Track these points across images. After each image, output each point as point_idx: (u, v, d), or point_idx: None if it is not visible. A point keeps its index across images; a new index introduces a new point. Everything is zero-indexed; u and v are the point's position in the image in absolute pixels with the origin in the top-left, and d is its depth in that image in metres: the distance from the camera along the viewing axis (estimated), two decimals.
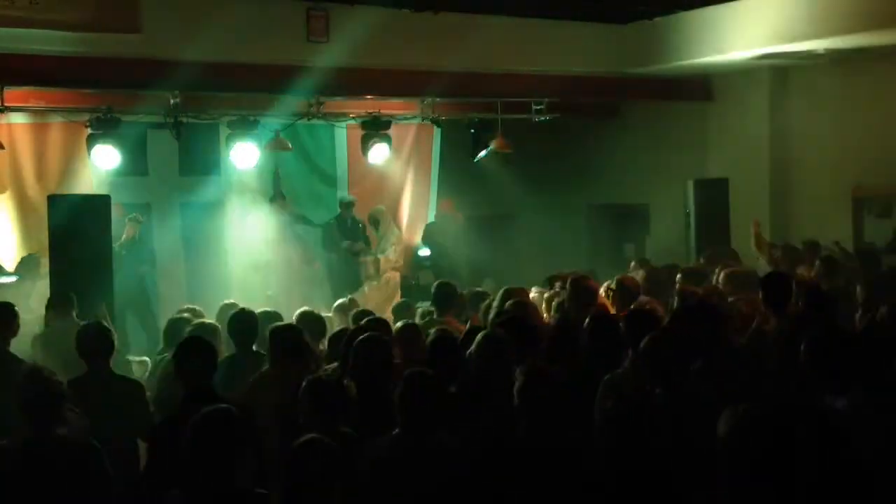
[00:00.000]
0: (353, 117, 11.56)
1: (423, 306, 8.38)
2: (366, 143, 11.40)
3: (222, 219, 12.10)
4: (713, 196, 11.45)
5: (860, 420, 3.86)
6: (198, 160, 11.52)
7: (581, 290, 6.84)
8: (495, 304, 7.02)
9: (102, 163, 9.92)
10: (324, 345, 6.61)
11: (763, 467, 3.05)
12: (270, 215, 12.01)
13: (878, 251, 10.33)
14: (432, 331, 5.89)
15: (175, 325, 6.88)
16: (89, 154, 9.88)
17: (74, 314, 7.28)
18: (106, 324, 6.51)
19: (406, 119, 12.04)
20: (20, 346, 6.73)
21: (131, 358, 7.58)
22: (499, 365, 4.94)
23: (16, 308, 6.41)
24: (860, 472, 3.47)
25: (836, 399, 4.10)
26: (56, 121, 10.56)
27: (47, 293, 8.24)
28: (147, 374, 6.83)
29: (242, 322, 6.19)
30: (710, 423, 4.08)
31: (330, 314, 8.01)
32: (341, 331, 6.52)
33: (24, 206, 10.67)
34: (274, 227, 11.93)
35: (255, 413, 4.76)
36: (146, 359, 7.25)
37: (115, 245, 9.48)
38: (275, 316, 6.86)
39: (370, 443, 4.24)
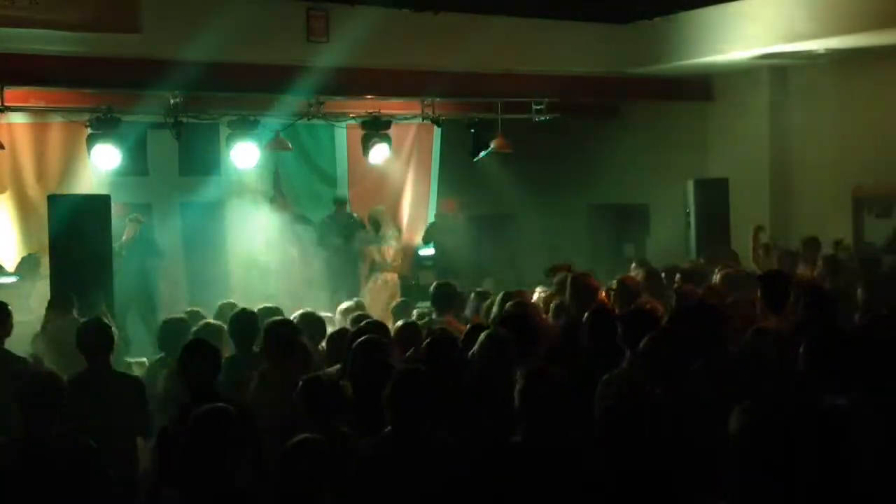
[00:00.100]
0: (353, 117, 11.55)
1: (422, 306, 8.38)
2: (366, 142, 11.40)
3: (222, 219, 12.10)
4: (713, 196, 11.46)
5: (860, 420, 3.86)
6: (198, 160, 11.52)
7: (581, 289, 6.84)
8: (494, 308, 7.01)
9: (102, 163, 9.91)
10: (324, 345, 6.60)
11: (773, 465, 3.04)
12: (270, 215, 12.02)
13: (878, 251, 10.33)
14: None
15: (172, 326, 6.87)
16: (89, 154, 9.87)
17: (75, 312, 7.28)
18: (106, 321, 6.50)
19: (406, 119, 12.04)
20: (20, 346, 6.72)
21: (130, 360, 7.56)
22: (501, 364, 4.94)
23: (9, 307, 6.39)
24: (861, 472, 3.47)
25: (836, 399, 4.10)
26: (56, 121, 10.56)
27: (47, 293, 8.25)
28: (145, 374, 6.81)
29: (242, 322, 6.19)
30: (709, 423, 4.10)
31: (329, 314, 7.99)
32: (340, 331, 6.52)
33: (24, 206, 10.67)
34: (274, 227, 11.93)
35: (257, 413, 4.77)
36: (144, 360, 7.24)
37: (116, 245, 9.48)
38: (275, 311, 6.86)
39: (361, 441, 4.23)
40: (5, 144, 9.74)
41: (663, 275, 8.20)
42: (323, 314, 7.35)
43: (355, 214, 12.45)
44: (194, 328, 6.58)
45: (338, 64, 9.66)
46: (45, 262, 8.86)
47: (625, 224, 14.33)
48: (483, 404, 4.76)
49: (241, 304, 7.02)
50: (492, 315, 6.86)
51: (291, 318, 6.87)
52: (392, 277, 11.96)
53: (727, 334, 5.55)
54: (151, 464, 4.94)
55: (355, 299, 8.75)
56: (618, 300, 7.05)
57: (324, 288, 11.76)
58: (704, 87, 12.56)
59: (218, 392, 4.76)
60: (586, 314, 5.75)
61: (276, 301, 10.02)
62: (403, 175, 13.01)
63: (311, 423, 4.22)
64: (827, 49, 10.39)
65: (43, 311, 7.69)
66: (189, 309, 7.84)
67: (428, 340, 5.40)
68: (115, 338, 5.87)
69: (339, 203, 12.23)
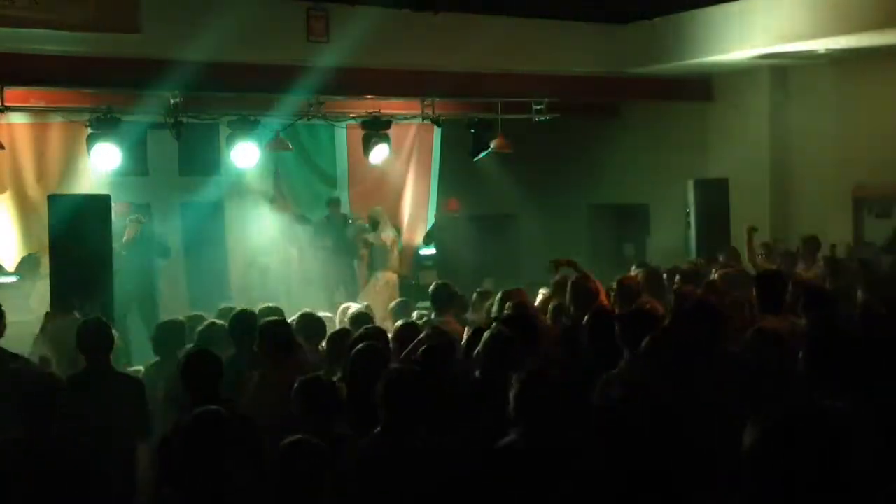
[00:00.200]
0: (353, 117, 11.56)
1: (422, 306, 8.38)
2: (367, 142, 11.40)
3: (222, 219, 12.11)
4: (713, 196, 11.46)
5: (860, 421, 3.86)
6: (198, 160, 11.52)
7: (581, 293, 6.84)
8: (494, 307, 7.02)
9: (102, 163, 9.91)
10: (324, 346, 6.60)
11: (788, 478, 3.04)
12: (270, 215, 12.02)
13: (877, 251, 10.34)
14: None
15: (167, 329, 6.86)
16: (89, 154, 9.87)
17: (76, 313, 7.27)
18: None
19: (406, 119, 12.04)
20: (20, 346, 6.70)
21: (129, 369, 7.53)
22: (505, 364, 4.94)
23: (2, 308, 6.38)
24: (861, 474, 3.47)
25: (836, 400, 4.10)
26: (56, 121, 10.57)
27: (47, 293, 8.24)
28: (143, 375, 6.80)
29: (242, 322, 6.19)
30: (709, 423, 4.10)
31: (329, 315, 7.99)
32: (341, 331, 6.52)
33: (24, 206, 10.67)
34: (274, 228, 11.93)
35: (257, 413, 4.77)
36: (140, 368, 7.22)
37: (116, 245, 9.47)
38: (275, 312, 6.86)
39: (352, 442, 4.22)
40: (5, 144, 9.74)
41: (664, 276, 8.21)
42: (322, 314, 7.35)
43: (351, 215, 12.46)
44: (199, 328, 6.62)
45: (338, 64, 9.66)
46: (45, 262, 8.86)
47: (625, 224, 14.34)
48: (484, 404, 4.76)
49: (241, 305, 7.02)
50: (492, 314, 6.86)
51: (292, 318, 6.89)
52: (392, 277, 11.97)
53: (727, 334, 5.56)
54: (152, 466, 4.93)
55: (364, 304, 8.75)
56: (617, 301, 7.05)
57: (322, 288, 11.78)
58: (704, 87, 12.56)
59: (220, 397, 4.74)
60: (587, 316, 5.75)
61: (276, 301, 10.05)
62: (403, 175, 13.01)
63: (308, 424, 4.22)
64: (827, 49, 10.39)
65: (43, 312, 7.67)
66: (191, 314, 7.81)
67: (424, 346, 5.40)
68: (115, 337, 5.86)
69: (333, 203, 12.23)
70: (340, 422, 4.47)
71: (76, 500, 4.26)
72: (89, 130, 9.81)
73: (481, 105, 12.00)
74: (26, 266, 10.19)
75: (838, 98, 11.35)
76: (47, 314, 7.53)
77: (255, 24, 9.08)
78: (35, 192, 10.61)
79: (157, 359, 6.65)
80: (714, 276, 7.98)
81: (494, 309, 6.93)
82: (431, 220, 13.22)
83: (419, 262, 12.97)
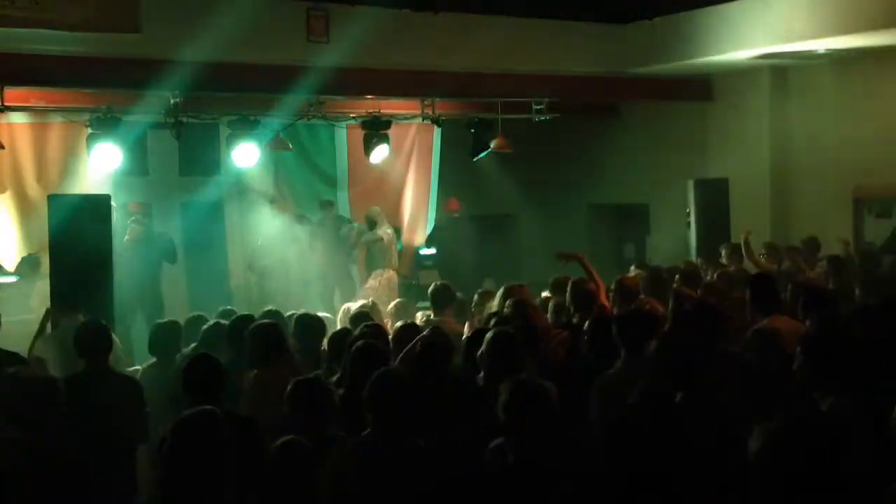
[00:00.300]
0: (353, 117, 11.55)
1: (422, 306, 8.39)
2: (368, 143, 11.39)
3: (222, 219, 12.10)
4: (713, 196, 11.46)
5: (860, 421, 3.87)
6: (198, 160, 11.51)
7: (581, 293, 6.86)
8: (496, 303, 7.04)
9: (102, 163, 9.91)
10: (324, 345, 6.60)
11: (796, 483, 3.04)
12: (270, 215, 12.02)
13: (877, 251, 10.34)
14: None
15: (163, 330, 6.86)
16: (89, 154, 9.87)
17: (80, 315, 7.26)
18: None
19: (406, 119, 12.04)
20: (20, 346, 6.71)
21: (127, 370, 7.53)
22: (509, 364, 4.95)
23: None
24: (862, 474, 3.47)
25: (836, 400, 4.10)
26: (56, 121, 10.56)
27: (47, 293, 8.24)
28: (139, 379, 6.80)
29: (242, 328, 6.20)
30: (710, 424, 4.10)
31: (329, 315, 8.00)
32: (342, 331, 6.53)
33: (24, 206, 10.65)
34: (274, 228, 11.93)
35: (252, 414, 4.77)
36: (138, 367, 7.22)
37: (117, 245, 9.47)
38: (275, 315, 6.87)
39: (340, 443, 4.21)
40: (5, 144, 9.73)
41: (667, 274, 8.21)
42: (321, 314, 7.36)
43: (349, 215, 12.45)
44: (204, 327, 6.65)
45: (338, 64, 9.66)
46: (45, 262, 8.85)
47: (625, 224, 14.36)
48: (485, 404, 4.76)
49: (241, 305, 7.03)
50: (493, 310, 6.88)
51: (290, 313, 6.90)
52: (392, 276, 11.96)
53: (728, 334, 5.56)
54: (152, 466, 4.93)
55: (370, 300, 8.75)
56: (617, 301, 7.06)
57: (320, 288, 11.78)
58: (704, 87, 12.56)
59: (221, 400, 4.72)
60: (587, 323, 5.76)
61: (275, 301, 10.06)
62: (403, 175, 13.00)
63: (300, 425, 4.22)
64: (827, 49, 10.39)
65: (43, 312, 7.65)
66: (192, 314, 7.82)
67: (422, 343, 5.40)
68: (113, 339, 5.86)
69: (327, 205, 12.21)
70: (334, 423, 4.46)
71: (76, 500, 4.25)
72: (89, 130, 9.80)
73: (481, 105, 11.99)
74: (26, 266, 10.19)
75: (838, 98, 11.35)
76: (48, 314, 7.51)
77: (255, 24, 9.07)
78: (35, 192, 10.60)
79: (154, 360, 6.65)
80: (713, 276, 7.98)
81: (496, 304, 6.95)
82: (431, 220, 13.21)
83: (419, 262, 12.97)
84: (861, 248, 10.60)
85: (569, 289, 6.99)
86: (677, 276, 7.97)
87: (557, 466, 3.89)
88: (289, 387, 4.46)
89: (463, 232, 13.04)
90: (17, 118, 10.33)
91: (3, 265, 10.36)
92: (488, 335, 5.16)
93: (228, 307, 8.13)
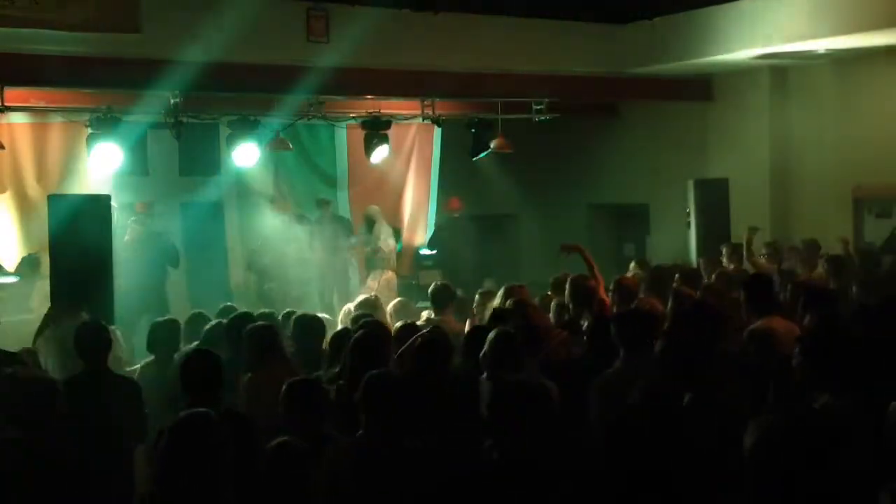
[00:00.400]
0: (354, 117, 11.55)
1: (422, 306, 8.39)
2: (368, 143, 11.39)
3: (222, 219, 12.11)
4: (713, 196, 11.46)
5: (860, 421, 3.87)
6: (198, 160, 11.50)
7: (580, 290, 6.86)
8: (496, 303, 7.04)
9: (102, 163, 9.91)
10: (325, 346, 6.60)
11: (790, 479, 3.04)
12: (270, 215, 12.02)
13: (877, 251, 10.33)
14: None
15: (161, 328, 6.86)
16: (89, 154, 9.87)
17: (84, 314, 7.25)
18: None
19: (406, 119, 12.04)
20: (20, 345, 6.71)
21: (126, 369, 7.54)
22: (510, 363, 4.95)
23: None
24: (861, 473, 3.47)
25: (836, 399, 4.11)
26: (56, 121, 10.56)
27: (47, 293, 8.23)
28: (137, 378, 6.80)
29: (241, 326, 6.20)
30: (710, 423, 4.10)
31: (328, 316, 8.00)
32: (343, 331, 6.53)
33: (24, 206, 10.66)
34: (273, 227, 11.93)
35: (256, 414, 4.77)
36: (136, 367, 7.22)
37: (120, 244, 9.47)
38: (270, 316, 6.88)
39: (335, 443, 4.21)
40: (5, 144, 9.73)
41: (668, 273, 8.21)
42: (321, 315, 7.36)
43: (346, 216, 12.45)
44: (206, 327, 6.66)
45: (338, 64, 9.66)
46: (45, 262, 8.84)
47: (625, 224, 14.35)
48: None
49: (241, 305, 7.04)
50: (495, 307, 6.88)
51: (290, 319, 6.90)
52: (391, 277, 11.96)
53: (727, 334, 5.56)
54: (147, 465, 4.92)
55: (373, 294, 8.75)
56: (616, 300, 7.06)
57: (319, 288, 11.78)
58: (704, 87, 12.56)
59: (220, 398, 4.72)
60: (587, 323, 5.77)
61: (274, 301, 10.06)
62: (404, 175, 13.01)
63: (295, 425, 4.21)
64: (827, 49, 10.39)
65: (43, 312, 7.65)
66: (194, 311, 7.83)
67: (421, 340, 5.39)
68: (111, 339, 5.85)
69: (323, 204, 12.20)
70: (329, 423, 4.46)
71: (75, 500, 4.26)
72: (89, 130, 9.80)
73: (481, 105, 11.99)
74: (26, 266, 10.19)
75: (838, 98, 11.34)
76: (49, 314, 7.50)
77: (255, 24, 9.07)
78: (35, 192, 10.60)
79: (152, 357, 6.65)
80: (712, 277, 7.99)
81: (496, 305, 6.96)
82: (432, 221, 13.22)
83: (419, 262, 12.97)
84: (861, 248, 10.59)
85: (567, 285, 7.00)
86: (677, 276, 7.97)
87: (557, 466, 3.89)
88: (283, 388, 4.46)
89: (463, 232, 13.03)
90: (17, 118, 10.33)
91: (3, 265, 10.36)
92: (490, 335, 5.16)
93: (229, 304, 8.13)
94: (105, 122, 9.69)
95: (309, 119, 11.07)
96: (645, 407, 4.12)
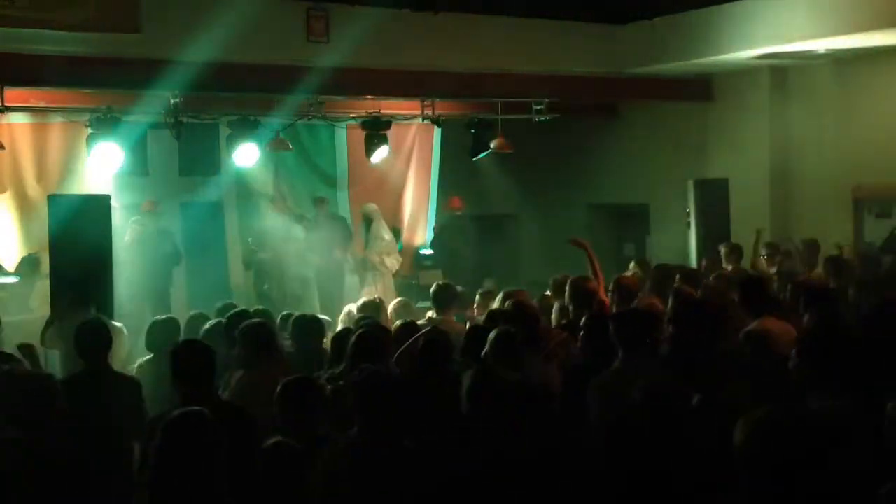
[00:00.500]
0: (354, 117, 11.56)
1: (422, 306, 8.39)
2: (369, 143, 11.39)
3: (222, 219, 12.11)
4: (713, 196, 11.47)
5: (859, 421, 3.87)
6: (198, 160, 11.51)
7: (580, 291, 6.86)
8: (495, 306, 7.04)
9: (102, 163, 9.91)
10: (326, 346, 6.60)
11: (780, 474, 3.03)
12: (270, 215, 12.02)
13: (876, 252, 10.33)
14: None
15: (161, 326, 6.86)
16: (89, 154, 9.87)
17: (93, 310, 7.25)
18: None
19: (406, 119, 12.04)
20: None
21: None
22: (511, 363, 4.95)
23: None
24: (859, 473, 3.47)
25: (835, 400, 4.10)
26: (56, 121, 10.57)
27: (47, 293, 8.23)
28: (136, 372, 6.81)
29: (237, 323, 6.20)
30: (709, 423, 4.10)
31: (325, 316, 7.99)
32: (344, 331, 6.53)
33: (24, 206, 10.67)
34: (273, 228, 11.93)
35: (254, 413, 4.77)
36: (135, 365, 7.23)
37: (121, 244, 9.46)
38: (266, 314, 6.88)
39: (331, 443, 4.19)
40: (5, 144, 9.74)
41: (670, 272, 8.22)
42: (321, 316, 7.37)
43: (346, 216, 12.44)
44: (206, 326, 6.66)
45: (338, 64, 9.66)
46: (45, 262, 8.85)
47: (625, 224, 14.35)
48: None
49: (240, 305, 7.04)
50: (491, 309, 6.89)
51: (289, 320, 6.90)
52: (389, 281, 11.92)
53: (727, 334, 5.57)
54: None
55: (377, 296, 8.75)
56: (615, 300, 7.07)
57: (318, 287, 11.78)
58: (704, 87, 12.55)
59: (213, 394, 4.70)
60: (583, 320, 5.78)
61: (273, 302, 10.06)
62: (404, 175, 13.01)
63: (290, 425, 4.21)
64: (827, 49, 10.39)
65: (43, 312, 7.65)
66: (194, 312, 7.82)
67: (424, 340, 5.40)
68: (112, 338, 5.85)
69: (320, 202, 12.18)
70: (324, 422, 4.45)
71: (75, 500, 4.25)
72: (89, 130, 9.80)
73: (481, 105, 12.00)
74: (26, 266, 10.19)
75: (838, 98, 11.34)
76: (56, 312, 7.48)
77: (255, 24, 9.07)
78: (35, 192, 10.62)
79: (150, 356, 6.65)
80: (710, 279, 8.00)
81: (495, 306, 6.96)
82: (432, 221, 13.23)
83: (419, 261, 12.97)
84: (861, 249, 10.59)
85: (567, 287, 7.00)
86: (677, 276, 7.98)
87: (557, 466, 3.89)
88: (278, 387, 4.44)
89: (463, 232, 13.03)
90: (18, 118, 10.35)
91: (3, 265, 10.36)
92: (491, 334, 5.16)
93: (228, 301, 8.12)
94: (105, 122, 9.70)
95: (309, 119, 11.08)
96: (645, 407, 4.12)
